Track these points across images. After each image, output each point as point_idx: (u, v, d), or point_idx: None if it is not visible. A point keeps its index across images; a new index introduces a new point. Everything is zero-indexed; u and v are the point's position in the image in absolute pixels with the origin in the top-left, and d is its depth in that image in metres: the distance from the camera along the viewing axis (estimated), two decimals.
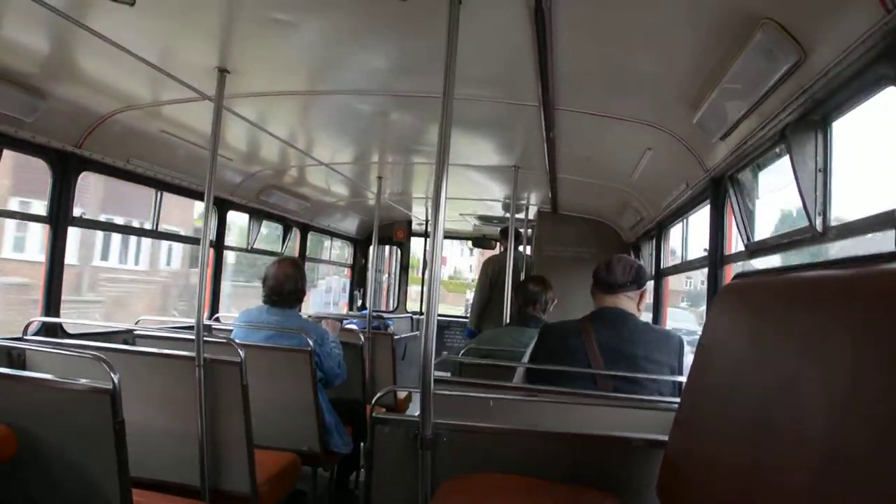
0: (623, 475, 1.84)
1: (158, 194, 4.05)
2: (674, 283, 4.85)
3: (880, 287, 0.90)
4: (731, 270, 3.00)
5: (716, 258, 3.05)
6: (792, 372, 1.05)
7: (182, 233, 6.61)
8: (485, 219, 7.22)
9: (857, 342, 0.91)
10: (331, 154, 4.46)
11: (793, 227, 2.21)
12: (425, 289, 1.96)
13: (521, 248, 6.03)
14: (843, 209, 1.94)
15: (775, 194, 2.56)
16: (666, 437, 1.56)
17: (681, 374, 2.43)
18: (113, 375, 1.93)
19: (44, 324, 3.25)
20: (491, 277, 5.70)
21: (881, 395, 0.82)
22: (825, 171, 2.00)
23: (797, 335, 1.08)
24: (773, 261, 2.61)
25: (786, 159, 2.13)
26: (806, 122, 2.01)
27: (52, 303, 3.25)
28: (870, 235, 1.74)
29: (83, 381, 1.96)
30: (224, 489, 2.72)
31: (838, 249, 2.02)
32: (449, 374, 3.30)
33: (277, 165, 4.64)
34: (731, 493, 1.12)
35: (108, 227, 3.99)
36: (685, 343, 2.51)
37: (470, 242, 8.69)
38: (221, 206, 4.78)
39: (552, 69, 2.42)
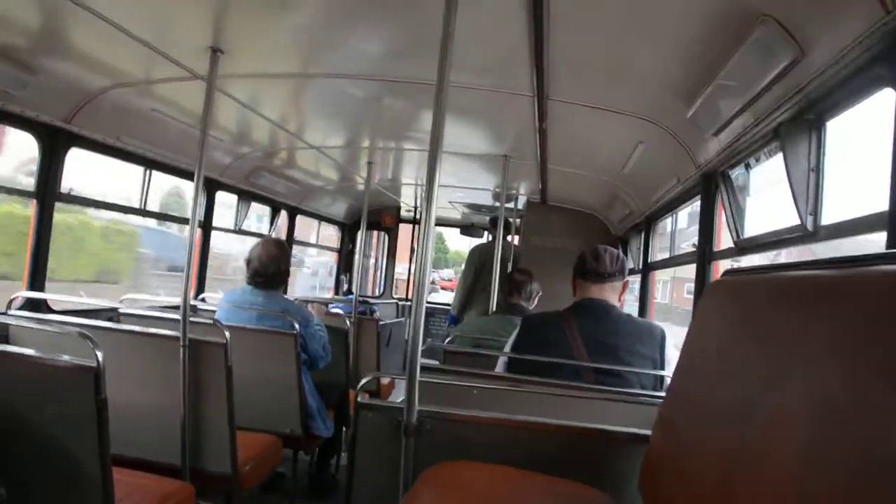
0: (605, 469, 1.85)
1: (148, 172, 4.00)
2: None
3: (865, 288, 0.91)
4: (720, 267, 3.01)
5: (704, 254, 3.06)
6: (776, 370, 1.05)
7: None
8: (474, 207, 7.21)
9: (839, 343, 0.91)
10: (321, 137, 4.43)
11: (783, 225, 2.22)
12: (413, 276, 1.95)
13: (509, 237, 6.03)
14: (835, 209, 1.95)
15: (766, 192, 2.57)
16: (649, 432, 1.56)
17: (662, 366, 2.43)
18: (97, 353, 1.91)
19: (28, 299, 3.21)
20: (477, 265, 5.71)
21: (861, 398, 0.82)
22: (818, 170, 2.01)
23: (782, 334, 1.08)
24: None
25: (778, 157, 2.13)
26: (800, 122, 2.01)
27: (37, 278, 3.21)
28: (861, 237, 1.75)
29: (66, 357, 1.94)
30: (205, 469, 2.72)
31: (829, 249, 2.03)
32: (437, 363, 3.30)
33: (268, 147, 4.60)
34: (711, 491, 1.13)
35: (96, 204, 3.91)
36: (667, 336, 2.52)
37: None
38: (210, 187, 4.74)
39: (547, 59, 2.41)
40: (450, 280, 30.79)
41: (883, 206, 1.50)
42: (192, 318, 2.69)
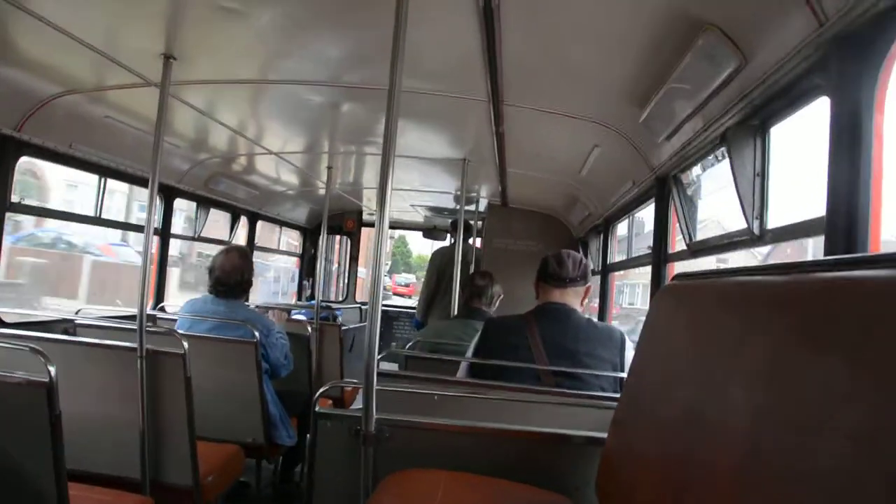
0: (564, 472, 1.87)
1: (102, 180, 3.91)
2: None
3: (804, 295, 0.94)
4: (676, 269, 3.07)
5: (659, 256, 3.12)
6: (722, 373, 1.08)
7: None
8: (436, 210, 7.21)
9: (777, 349, 0.94)
10: (281, 143, 4.39)
11: (732, 228, 2.28)
12: (369, 280, 1.95)
13: (470, 240, 6.05)
14: (780, 213, 2.01)
15: (716, 196, 2.64)
16: (605, 435, 1.59)
17: (622, 370, 2.47)
18: (49, 368, 1.87)
19: None
20: (439, 269, 5.70)
21: (797, 400, 0.85)
22: (762, 175, 2.07)
23: (728, 338, 1.12)
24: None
25: (727, 162, 2.19)
26: (746, 127, 2.07)
27: None
28: (802, 240, 1.81)
29: (19, 373, 1.89)
30: (165, 482, 2.67)
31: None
32: (397, 366, 3.30)
33: (226, 153, 4.54)
34: (663, 490, 1.15)
35: (48, 214, 3.83)
36: (627, 339, 2.56)
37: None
38: (168, 194, 4.65)
39: (501, 65, 2.43)
40: (406, 286, 30.28)
41: (822, 211, 1.55)
42: (150, 329, 2.65)
